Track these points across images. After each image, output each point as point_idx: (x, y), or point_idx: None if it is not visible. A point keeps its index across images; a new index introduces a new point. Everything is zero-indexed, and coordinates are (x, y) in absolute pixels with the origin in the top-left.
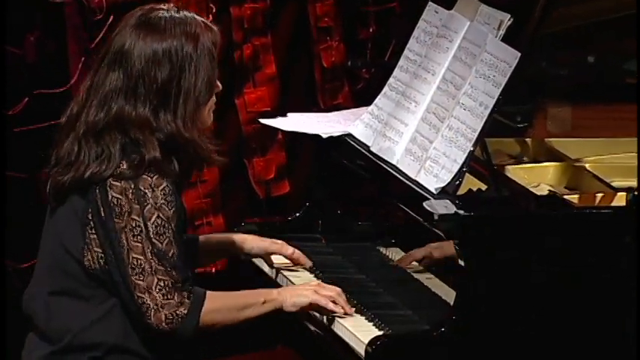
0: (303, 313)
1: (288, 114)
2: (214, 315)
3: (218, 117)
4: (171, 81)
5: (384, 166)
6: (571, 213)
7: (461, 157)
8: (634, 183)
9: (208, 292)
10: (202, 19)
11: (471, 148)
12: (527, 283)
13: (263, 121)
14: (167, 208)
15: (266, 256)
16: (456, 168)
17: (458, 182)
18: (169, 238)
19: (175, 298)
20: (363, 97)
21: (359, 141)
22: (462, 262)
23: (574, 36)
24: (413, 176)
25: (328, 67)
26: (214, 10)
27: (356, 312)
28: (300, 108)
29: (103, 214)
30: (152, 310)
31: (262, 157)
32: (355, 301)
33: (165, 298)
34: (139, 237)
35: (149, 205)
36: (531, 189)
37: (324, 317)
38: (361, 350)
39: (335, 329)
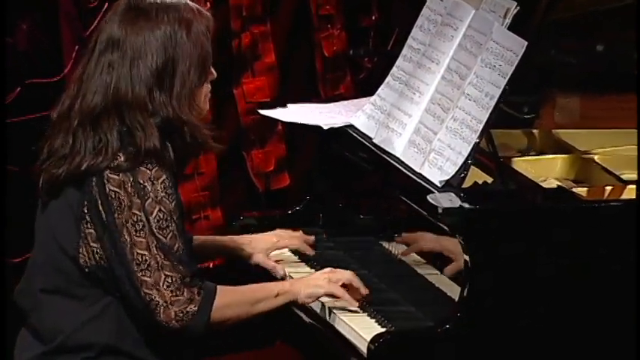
0: (303, 307)
1: (288, 105)
2: (226, 311)
3: (216, 108)
4: (165, 67)
5: (387, 158)
6: (579, 206)
7: (466, 149)
8: None
9: (219, 287)
10: (195, 5)
11: (477, 140)
12: (534, 279)
13: (262, 112)
14: (168, 201)
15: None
16: (460, 160)
17: (463, 175)
18: (173, 231)
19: (185, 294)
20: (366, 87)
21: (361, 132)
22: (467, 257)
23: (583, 24)
24: (416, 169)
25: (329, 56)
26: None
27: (358, 308)
28: (300, 98)
29: (101, 208)
30: (161, 308)
31: (261, 149)
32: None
33: (174, 294)
34: (141, 232)
35: (150, 199)
36: (538, 182)
37: (326, 313)
38: (363, 347)
39: (336, 325)
